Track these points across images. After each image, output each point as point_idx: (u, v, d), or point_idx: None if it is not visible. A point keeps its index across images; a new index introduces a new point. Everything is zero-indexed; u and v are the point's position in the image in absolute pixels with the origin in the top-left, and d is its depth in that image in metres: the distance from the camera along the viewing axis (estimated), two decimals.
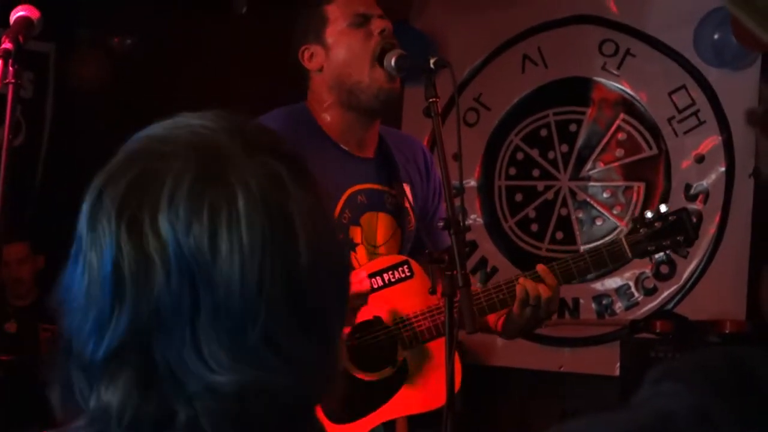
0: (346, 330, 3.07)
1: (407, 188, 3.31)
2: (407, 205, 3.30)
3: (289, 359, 1.11)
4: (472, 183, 6.31)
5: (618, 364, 5.61)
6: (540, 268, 3.17)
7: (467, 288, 2.75)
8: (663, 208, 3.27)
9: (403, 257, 3.19)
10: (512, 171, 6.28)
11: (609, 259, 3.25)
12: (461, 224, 2.83)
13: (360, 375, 3.11)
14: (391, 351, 3.13)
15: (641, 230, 3.26)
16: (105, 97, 6.74)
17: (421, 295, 3.13)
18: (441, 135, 2.95)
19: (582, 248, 6.00)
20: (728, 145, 5.71)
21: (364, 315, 3.11)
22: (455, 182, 3.04)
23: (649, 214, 3.27)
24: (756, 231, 5.60)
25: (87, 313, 1.10)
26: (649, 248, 3.25)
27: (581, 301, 6.03)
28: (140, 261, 1.08)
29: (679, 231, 3.25)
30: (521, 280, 3.13)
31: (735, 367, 0.90)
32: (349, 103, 3.20)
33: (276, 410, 1.12)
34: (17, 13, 2.87)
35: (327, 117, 3.24)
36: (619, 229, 5.93)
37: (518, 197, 6.26)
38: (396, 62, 3.11)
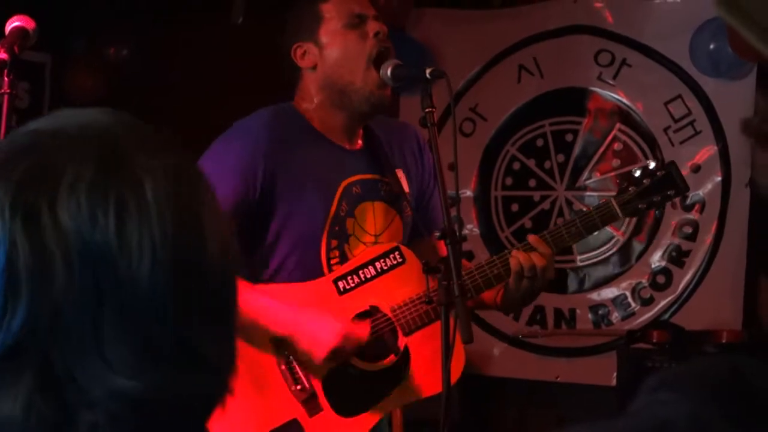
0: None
1: (401, 174, 3.31)
2: (402, 191, 3.29)
3: (200, 359, 1.05)
4: (468, 193, 6.31)
5: (615, 374, 5.61)
6: (531, 238, 3.18)
7: (463, 298, 2.76)
8: (651, 164, 3.26)
9: (393, 244, 3.19)
10: (508, 181, 6.28)
11: (600, 221, 3.24)
12: (457, 234, 2.83)
13: (364, 366, 3.10)
14: (392, 339, 3.12)
15: (630, 189, 3.24)
16: (102, 106, 6.74)
17: (414, 281, 3.11)
18: (437, 145, 2.96)
19: (578, 258, 6.00)
20: (724, 155, 5.72)
21: (360, 306, 3.11)
22: (451, 192, 3.04)
23: (637, 173, 3.25)
24: (752, 241, 5.60)
25: None
26: (639, 206, 3.25)
27: (578, 311, 6.03)
28: (37, 254, 0.99)
29: (668, 185, 3.23)
30: (514, 252, 3.13)
31: (733, 376, 0.90)
32: (341, 104, 3.21)
33: (184, 413, 1.06)
34: (12, 23, 2.87)
35: (315, 114, 3.23)
36: (615, 239, 5.93)
37: (514, 207, 6.26)
38: (392, 72, 3.12)
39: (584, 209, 3.30)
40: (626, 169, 5.95)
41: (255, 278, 3.10)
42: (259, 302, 2.98)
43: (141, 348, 1.01)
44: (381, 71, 3.12)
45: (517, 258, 3.10)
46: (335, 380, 3.08)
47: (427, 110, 2.97)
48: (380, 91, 3.17)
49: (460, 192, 6.09)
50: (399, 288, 3.14)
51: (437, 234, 2.85)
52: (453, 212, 2.91)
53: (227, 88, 6.41)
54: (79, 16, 6.78)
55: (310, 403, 3.04)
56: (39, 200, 1.00)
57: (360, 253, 3.18)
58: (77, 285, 0.99)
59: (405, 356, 3.12)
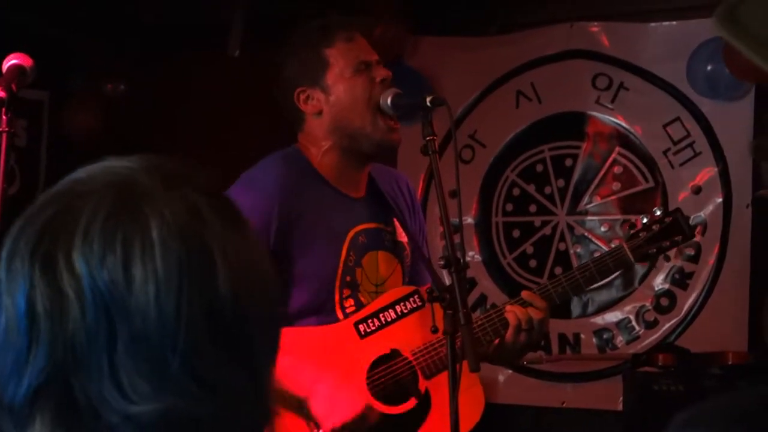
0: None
1: (399, 221, 3.34)
2: (402, 239, 3.32)
3: (211, 388, 1.09)
4: (469, 220, 6.30)
5: (621, 399, 5.58)
6: (525, 294, 3.23)
7: (469, 326, 2.75)
8: (657, 211, 3.36)
9: (412, 287, 3.22)
10: (509, 207, 6.27)
11: (613, 266, 3.30)
12: (461, 262, 2.82)
13: (384, 409, 3.11)
14: (412, 382, 3.13)
15: (640, 234, 3.30)
16: (100, 144, 6.73)
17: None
18: (439, 172, 2.95)
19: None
20: (724, 176, 5.72)
21: (381, 349, 3.12)
22: (454, 219, 3.04)
23: (645, 219, 3.33)
24: (755, 261, 5.59)
25: (5, 356, 1.09)
26: (650, 251, 3.31)
27: (582, 336, 6.01)
28: (54, 298, 1.07)
29: (676, 231, 3.33)
30: (508, 307, 3.17)
31: (764, 408, 0.87)
32: (350, 148, 3.21)
33: None
34: (10, 61, 2.87)
35: (323, 159, 3.24)
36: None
37: (516, 233, 6.25)
38: (392, 101, 3.12)
39: (597, 255, 3.34)
40: (627, 193, 5.95)
41: None
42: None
43: (153, 376, 1.07)
44: (381, 100, 3.12)
45: (514, 313, 3.15)
46: (357, 425, 3.09)
47: (428, 138, 2.96)
48: (391, 135, 3.20)
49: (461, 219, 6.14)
50: (419, 331, 3.15)
51: (441, 263, 2.84)
52: (456, 239, 2.91)
53: (225, 123, 6.41)
54: (76, 53, 6.78)
55: None
56: (56, 248, 1.08)
57: (380, 297, 3.20)
58: (90, 322, 1.06)
59: (426, 399, 3.13)
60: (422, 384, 3.14)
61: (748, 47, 0.83)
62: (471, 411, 3.08)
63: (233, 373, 1.11)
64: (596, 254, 5.89)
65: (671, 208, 5.68)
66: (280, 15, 6.21)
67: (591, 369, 5.97)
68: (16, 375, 1.07)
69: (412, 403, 3.14)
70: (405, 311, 3.16)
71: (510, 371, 6.08)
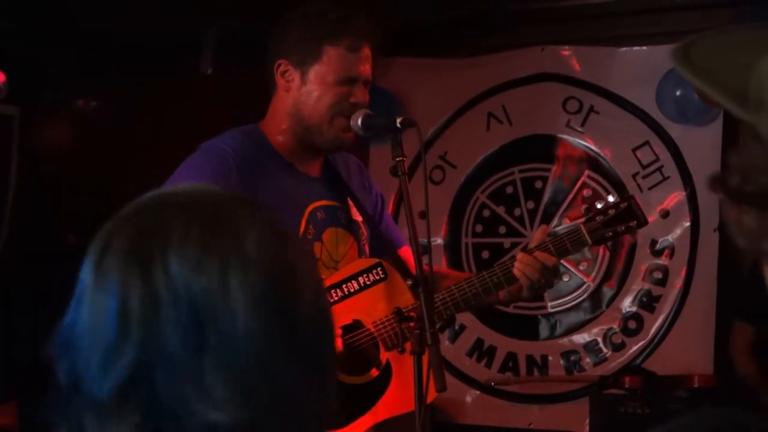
0: None
1: (355, 200, 3.37)
2: (357, 218, 3.35)
3: (289, 399, 1.14)
4: (439, 241, 6.32)
5: (587, 421, 5.61)
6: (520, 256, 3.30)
7: (436, 346, 2.77)
8: (611, 198, 3.40)
9: (376, 260, 3.24)
10: (479, 228, 6.29)
11: (571, 247, 3.35)
12: (429, 282, 2.85)
13: (346, 379, 3.13)
14: (374, 353, 3.17)
15: (596, 218, 3.38)
16: (70, 160, 6.72)
17: (397, 295, 3.16)
18: (408, 193, 2.97)
19: (549, 304, 6.01)
20: (692, 200, 5.76)
21: (344, 319, 3.14)
22: (423, 240, 3.06)
23: (599, 205, 3.44)
24: (722, 285, 5.63)
25: (93, 350, 1.12)
26: (605, 234, 3.39)
27: (550, 357, 6.03)
28: (148, 297, 1.12)
29: (631, 217, 3.41)
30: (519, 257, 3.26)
31: (729, 426, 0.89)
32: (303, 137, 3.23)
33: None
34: None
35: (280, 138, 3.26)
36: (585, 285, 5.95)
37: (485, 254, 6.27)
38: (362, 121, 3.13)
39: (555, 231, 3.43)
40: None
41: None
42: None
43: (235, 385, 1.11)
44: (351, 121, 3.14)
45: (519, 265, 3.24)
46: None
47: (397, 159, 2.99)
48: (344, 134, 3.20)
49: (430, 240, 6.15)
50: (381, 303, 3.18)
51: (409, 282, 2.87)
52: (425, 260, 2.93)
53: (196, 141, 6.40)
54: (47, 70, 6.77)
55: None
56: (152, 250, 1.13)
57: (344, 268, 3.22)
58: (182, 324, 1.11)
59: (387, 370, 3.17)
60: (383, 355, 3.17)
61: (705, 83, 0.87)
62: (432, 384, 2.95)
63: (309, 389, 1.17)
64: (564, 277, 5.97)
65: (639, 231, 5.78)
66: (251, 35, 6.23)
67: (558, 391, 5.99)
68: (103, 369, 1.11)
69: (373, 373, 3.18)
70: (368, 283, 3.18)
71: (477, 392, 6.10)
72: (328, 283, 3.15)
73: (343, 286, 3.18)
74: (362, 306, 3.18)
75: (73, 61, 6.73)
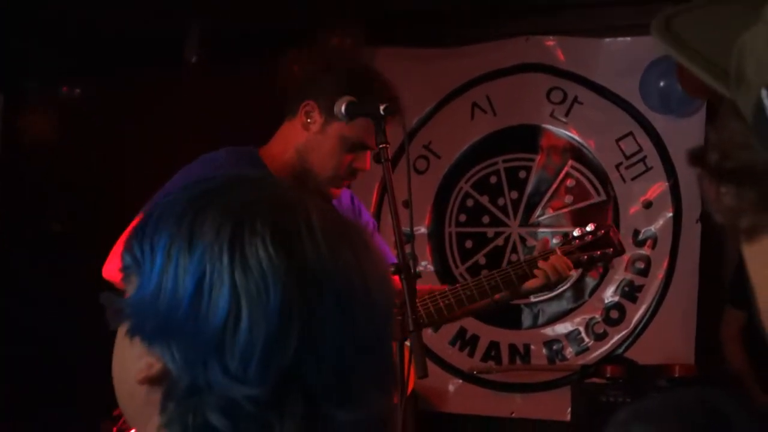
0: None
1: None
2: None
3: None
4: (423, 230, 6.33)
5: (569, 409, 5.63)
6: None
7: (418, 332, 2.78)
8: (591, 225, 3.60)
9: None
10: (462, 218, 6.31)
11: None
12: (411, 269, 2.87)
13: None
14: None
15: (574, 242, 3.53)
16: (54, 147, 6.71)
17: None
18: (391, 181, 2.99)
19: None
20: (675, 191, 5.78)
21: None
22: (405, 228, 3.07)
23: (576, 232, 3.58)
24: (704, 275, 5.65)
25: (250, 343, 1.08)
26: (581, 259, 3.53)
27: (532, 346, 6.05)
28: (302, 284, 1.11)
29: (607, 244, 3.55)
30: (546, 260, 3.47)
31: (707, 409, 0.90)
32: (300, 172, 3.33)
33: None
34: None
35: (278, 163, 3.33)
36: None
37: (468, 244, 6.28)
38: (346, 108, 3.14)
39: (530, 255, 3.51)
40: (579, 206, 6.00)
41: None
42: None
43: (374, 375, 1.14)
44: (335, 108, 3.16)
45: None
46: None
47: (381, 146, 3.01)
48: (335, 190, 3.35)
49: (414, 229, 6.16)
50: None
51: (392, 269, 2.89)
52: (407, 249, 2.96)
53: (181, 128, 6.40)
54: (32, 56, 6.75)
55: None
56: (296, 237, 1.12)
57: None
58: (331, 311, 1.11)
59: None
60: None
61: (684, 57, 0.87)
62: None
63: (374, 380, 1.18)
64: None
65: (622, 221, 5.82)
66: (237, 29, 6.22)
67: (540, 380, 6.01)
68: (264, 363, 1.07)
69: None
70: None
71: (460, 380, 6.11)
72: None
73: None
74: None
75: (57, 50, 6.72)
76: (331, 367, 1.09)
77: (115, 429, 4.88)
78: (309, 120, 3.30)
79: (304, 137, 3.31)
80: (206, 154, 3.36)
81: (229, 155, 3.31)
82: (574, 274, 3.48)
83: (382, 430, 1.14)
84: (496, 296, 3.50)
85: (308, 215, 1.13)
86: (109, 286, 3.28)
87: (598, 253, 3.51)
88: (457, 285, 3.47)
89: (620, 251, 3.59)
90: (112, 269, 3.14)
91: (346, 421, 1.09)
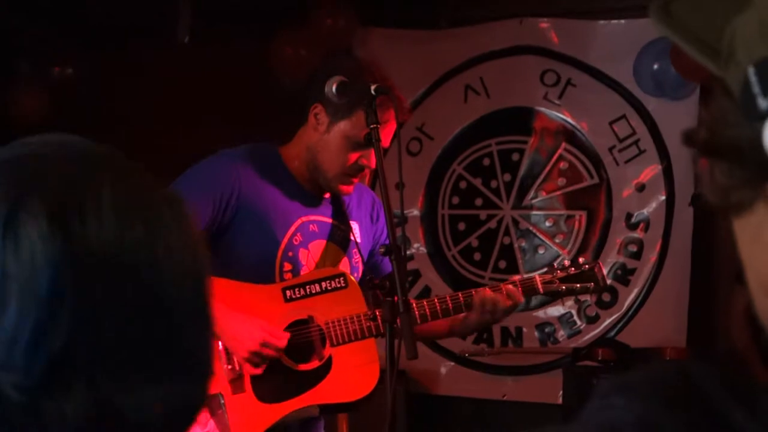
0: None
1: (357, 224, 3.60)
2: (353, 239, 3.56)
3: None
4: (416, 212, 6.33)
5: (561, 392, 5.64)
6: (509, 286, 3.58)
7: (408, 314, 2.79)
8: (581, 259, 3.70)
9: (341, 270, 3.50)
10: (455, 200, 6.30)
11: (523, 292, 3.59)
12: (402, 251, 2.88)
13: (290, 364, 3.40)
14: (320, 347, 3.43)
15: (556, 272, 3.62)
16: (46, 128, 6.68)
17: (351, 303, 3.43)
18: (382, 161, 2.99)
19: (524, 276, 6.02)
20: (668, 174, 5.78)
21: (299, 314, 3.43)
22: (396, 210, 3.09)
23: (566, 262, 3.68)
24: (696, 259, 5.66)
25: (16, 332, 1.02)
26: (559, 289, 3.62)
27: (524, 329, 6.05)
28: (76, 263, 1.04)
29: (590, 279, 3.64)
30: (480, 290, 3.53)
31: (682, 380, 0.91)
32: (312, 172, 3.48)
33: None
34: None
35: (296, 162, 3.50)
36: (561, 258, 5.96)
37: (461, 226, 6.28)
38: (337, 88, 3.15)
39: (512, 279, 3.61)
40: (572, 188, 6.01)
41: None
42: None
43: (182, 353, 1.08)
44: (326, 88, 3.17)
45: (481, 294, 3.48)
46: (260, 373, 3.39)
47: (371, 126, 3.03)
48: (345, 188, 3.46)
49: (407, 211, 6.17)
50: (337, 307, 3.42)
51: (382, 250, 2.93)
52: (398, 231, 2.98)
53: (174, 108, 6.39)
54: (23, 36, 6.73)
55: (236, 383, 3.39)
56: (72, 209, 1.05)
57: (311, 272, 3.46)
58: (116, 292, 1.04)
59: (328, 363, 3.42)
60: (328, 350, 3.42)
61: (680, 38, 0.90)
62: (362, 385, 3.38)
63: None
64: (540, 249, 6.01)
65: (615, 204, 5.83)
66: (230, 2, 6.21)
67: (532, 362, 6.02)
68: (33, 350, 1.01)
69: (314, 364, 3.42)
70: (329, 288, 3.43)
71: (452, 363, 6.12)
72: (293, 282, 3.44)
73: (307, 286, 3.44)
74: (319, 306, 3.43)
75: (49, 29, 6.70)
76: (112, 351, 1.03)
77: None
78: (317, 122, 3.42)
79: (314, 138, 3.44)
80: (224, 149, 3.51)
81: (248, 152, 3.48)
82: (521, 302, 3.57)
83: (183, 418, 1.10)
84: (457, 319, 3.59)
85: (98, 190, 1.06)
86: None
87: (578, 286, 3.61)
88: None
89: (601, 288, 3.70)
90: None
91: (134, 405, 1.04)
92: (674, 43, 0.92)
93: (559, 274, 3.58)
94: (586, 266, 3.61)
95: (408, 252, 6.16)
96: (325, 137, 3.40)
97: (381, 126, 3.28)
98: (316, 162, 3.44)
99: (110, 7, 6.48)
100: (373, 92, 3.05)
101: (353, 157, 3.37)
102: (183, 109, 6.33)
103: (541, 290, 3.59)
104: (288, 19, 5.66)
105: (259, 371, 3.35)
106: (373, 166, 3.37)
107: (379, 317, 3.24)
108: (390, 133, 3.37)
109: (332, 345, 3.40)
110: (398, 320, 2.89)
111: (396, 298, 2.87)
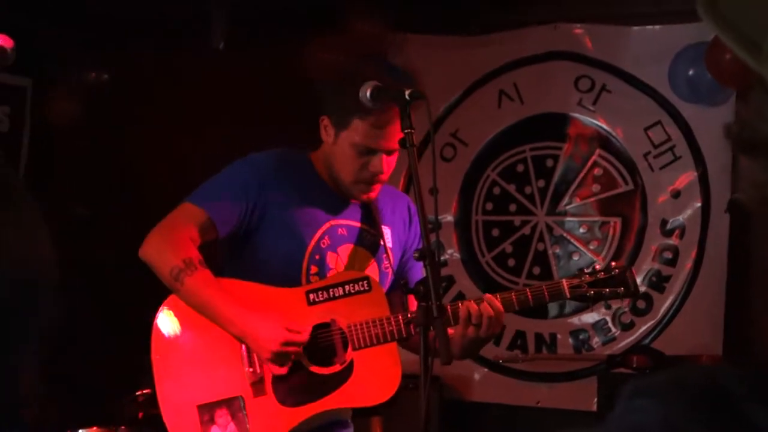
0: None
1: (388, 230, 3.62)
2: (383, 244, 3.58)
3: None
4: (449, 218, 6.32)
5: (595, 400, 5.62)
6: (487, 296, 3.46)
7: (442, 319, 2.79)
8: (613, 263, 3.59)
9: (365, 274, 3.50)
10: (489, 206, 6.29)
11: (549, 296, 3.50)
12: (436, 256, 2.88)
13: (312, 368, 3.40)
14: (342, 351, 3.44)
15: (584, 276, 3.54)
16: (82, 132, 6.73)
17: (374, 307, 3.44)
18: (416, 165, 2.98)
19: None
20: (704, 181, 5.75)
21: (323, 317, 3.43)
22: (431, 216, 3.09)
23: (597, 266, 3.60)
24: (732, 266, 5.62)
25: None
26: (588, 293, 3.53)
27: (558, 336, 6.03)
28: None
29: (620, 283, 3.54)
30: (465, 302, 3.43)
31: (708, 383, 0.90)
32: (336, 180, 3.53)
33: None
34: None
35: (322, 168, 3.55)
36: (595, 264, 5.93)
37: (495, 232, 6.27)
38: (371, 93, 3.14)
39: (540, 283, 3.54)
40: (606, 195, 5.98)
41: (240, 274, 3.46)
42: (215, 299, 3.35)
43: None
44: (360, 93, 3.17)
45: (467, 307, 3.37)
46: (285, 373, 3.40)
47: (406, 131, 3.02)
48: (365, 194, 3.49)
49: (440, 217, 6.16)
50: (360, 310, 3.43)
51: (416, 255, 2.92)
52: (432, 237, 2.97)
53: (208, 113, 6.41)
54: (61, 41, 6.78)
55: (257, 386, 3.40)
56: None
57: (335, 275, 3.48)
58: None
59: (349, 367, 3.42)
60: (350, 354, 3.42)
61: (722, 30, 0.90)
62: (384, 389, 3.40)
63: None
64: (574, 256, 5.98)
65: (650, 211, 5.80)
66: (264, 9, 6.22)
67: (566, 369, 6.00)
68: None
69: (336, 368, 3.42)
70: (352, 291, 3.44)
71: (486, 369, 6.11)
72: (317, 285, 3.46)
73: (330, 290, 3.45)
74: (342, 310, 3.44)
75: (85, 35, 6.74)
76: None
77: (141, 414, 4.91)
78: (327, 133, 3.50)
79: (327, 149, 3.51)
80: (254, 153, 3.55)
81: (277, 156, 3.54)
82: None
83: None
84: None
85: None
86: (143, 266, 3.37)
87: (607, 291, 3.52)
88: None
89: (633, 293, 3.58)
90: (148, 250, 3.34)
91: None
92: (714, 38, 0.93)
93: (588, 278, 3.53)
94: (617, 270, 3.53)
95: (442, 258, 6.18)
96: (334, 148, 3.47)
97: (380, 130, 3.35)
98: (334, 171, 3.50)
99: (146, 14, 6.51)
100: (407, 97, 3.05)
101: (360, 162, 3.41)
102: (217, 114, 6.35)
103: (568, 294, 3.50)
104: (322, 25, 5.66)
105: (283, 371, 3.36)
106: (380, 171, 3.41)
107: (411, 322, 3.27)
108: (391, 136, 3.37)
109: (354, 348, 3.41)
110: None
111: (430, 303, 2.86)
